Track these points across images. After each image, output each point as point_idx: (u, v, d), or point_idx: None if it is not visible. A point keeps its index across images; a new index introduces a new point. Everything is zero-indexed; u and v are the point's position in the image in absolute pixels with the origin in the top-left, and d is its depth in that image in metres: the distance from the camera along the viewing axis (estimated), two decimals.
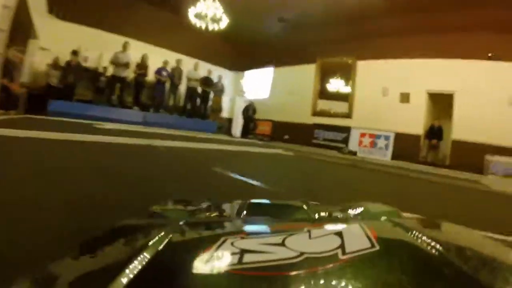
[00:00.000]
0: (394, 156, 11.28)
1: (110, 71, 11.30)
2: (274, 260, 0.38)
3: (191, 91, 13.07)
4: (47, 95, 9.67)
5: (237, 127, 15.76)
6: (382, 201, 0.92)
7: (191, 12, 11.14)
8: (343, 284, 0.34)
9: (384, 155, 11.51)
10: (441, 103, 10.76)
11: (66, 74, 10.46)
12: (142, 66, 11.74)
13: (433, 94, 10.97)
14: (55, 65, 10.44)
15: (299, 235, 0.48)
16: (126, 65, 11.13)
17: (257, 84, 16.44)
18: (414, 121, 11.19)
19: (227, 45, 15.72)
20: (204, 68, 13.85)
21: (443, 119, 10.63)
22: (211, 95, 14.04)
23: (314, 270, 0.36)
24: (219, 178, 2.71)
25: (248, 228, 0.59)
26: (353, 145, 12.45)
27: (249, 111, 14.51)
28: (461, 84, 10.05)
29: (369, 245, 0.43)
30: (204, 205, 0.90)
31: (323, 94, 14.10)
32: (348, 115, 13.24)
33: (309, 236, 0.47)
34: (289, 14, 12.45)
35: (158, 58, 12.25)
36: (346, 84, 13.35)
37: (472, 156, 9.29)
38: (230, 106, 16.62)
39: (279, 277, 0.35)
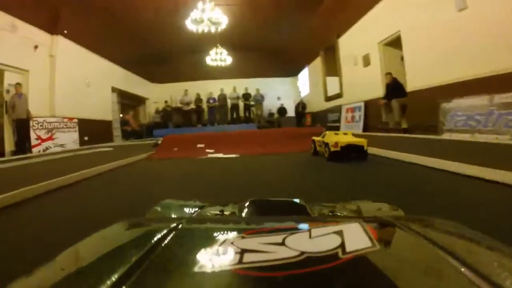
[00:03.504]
0: (366, 127, 10.72)
1: (187, 107, 18.11)
2: (274, 260, 0.37)
3: (233, 106, 17.47)
4: (154, 127, 17.12)
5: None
6: (384, 200, 0.93)
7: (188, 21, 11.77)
8: (343, 283, 0.34)
9: (358, 128, 10.98)
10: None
11: (163, 115, 18.34)
12: (198, 100, 17.59)
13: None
14: (156, 111, 19.17)
15: (299, 234, 0.47)
16: (188, 104, 18.00)
17: (303, 84, 19.51)
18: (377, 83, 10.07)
19: (277, 59, 19.82)
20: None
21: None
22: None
23: (315, 270, 0.35)
24: None
25: (249, 227, 0.59)
26: (343, 122, 12.44)
27: (299, 107, 17.61)
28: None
29: (369, 244, 0.42)
30: (206, 204, 0.93)
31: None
32: (340, 95, 13.43)
33: (310, 235, 0.46)
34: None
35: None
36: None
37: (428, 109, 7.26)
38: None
39: (280, 277, 0.34)
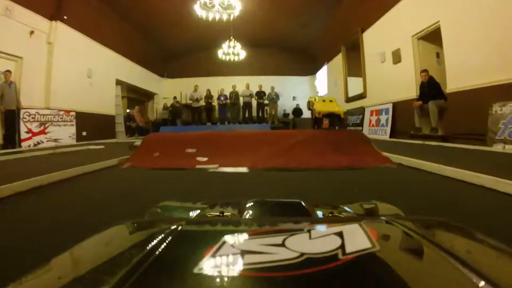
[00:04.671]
0: (393, 133, 9.38)
1: (196, 104, 16.56)
2: (274, 261, 0.37)
3: (245, 105, 16.27)
4: (162, 124, 15.78)
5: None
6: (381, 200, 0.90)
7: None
8: (343, 284, 0.34)
9: (384, 132, 9.69)
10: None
11: (171, 112, 17.07)
12: (208, 97, 16.44)
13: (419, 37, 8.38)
14: (164, 107, 18.10)
15: (299, 235, 0.46)
16: (197, 100, 16.41)
17: (321, 83, 18.05)
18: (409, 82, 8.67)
19: (294, 56, 19.13)
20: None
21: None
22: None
23: (314, 271, 0.35)
24: None
25: (249, 228, 0.57)
26: (366, 125, 11.02)
27: None
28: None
29: (369, 245, 0.41)
30: (206, 205, 0.90)
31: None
32: (363, 96, 11.90)
33: (309, 236, 0.46)
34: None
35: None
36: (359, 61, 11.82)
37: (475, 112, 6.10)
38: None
39: (280, 278, 0.34)
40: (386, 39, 9.89)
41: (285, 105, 18.13)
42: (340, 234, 0.45)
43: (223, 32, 13.71)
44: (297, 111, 17.84)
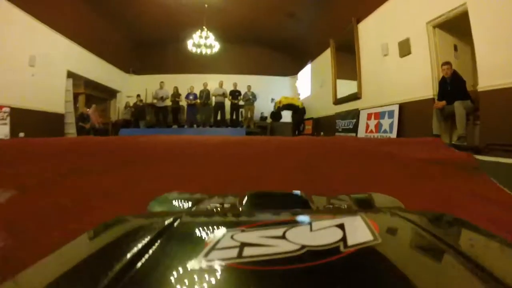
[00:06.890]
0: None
1: (161, 103, 14.59)
2: (274, 254, 0.37)
3: (218, 105, 14.38)
4: (123, 126, 14.20)
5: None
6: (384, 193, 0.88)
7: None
8: (345, 277, 0.33)
9: None
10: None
11: (133, 112, 14.98)
12: (175, 96, 14.61)
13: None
14: (126, 106, 15.65)
15: (300, 227, 0.46)
16: (163, 99, 14.45)
17: (304, 84, 16.27)
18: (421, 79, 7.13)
19: (274, 53, 17.46)
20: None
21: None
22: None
23: (316, 264, 0.35)
24: None
25: (248, 220, 0.57)
26: (361, 131, 9.36)
27: (297, 112, 14.28)
28: None
29: (371, 238, 0.41)
30: (205, 196, 0.89)
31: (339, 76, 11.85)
32: (357, 96, 10.08)
33: (310, 228, 0.46)
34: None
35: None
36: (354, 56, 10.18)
37: None
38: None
39: (280, 271, 0.34)
40: (390, 28, 8.29)
41: (262, 107, 16.35)
42: (341, 226, 0.45)
43: (195, 22, 12.10)
44: (276, 115, 16.20)
